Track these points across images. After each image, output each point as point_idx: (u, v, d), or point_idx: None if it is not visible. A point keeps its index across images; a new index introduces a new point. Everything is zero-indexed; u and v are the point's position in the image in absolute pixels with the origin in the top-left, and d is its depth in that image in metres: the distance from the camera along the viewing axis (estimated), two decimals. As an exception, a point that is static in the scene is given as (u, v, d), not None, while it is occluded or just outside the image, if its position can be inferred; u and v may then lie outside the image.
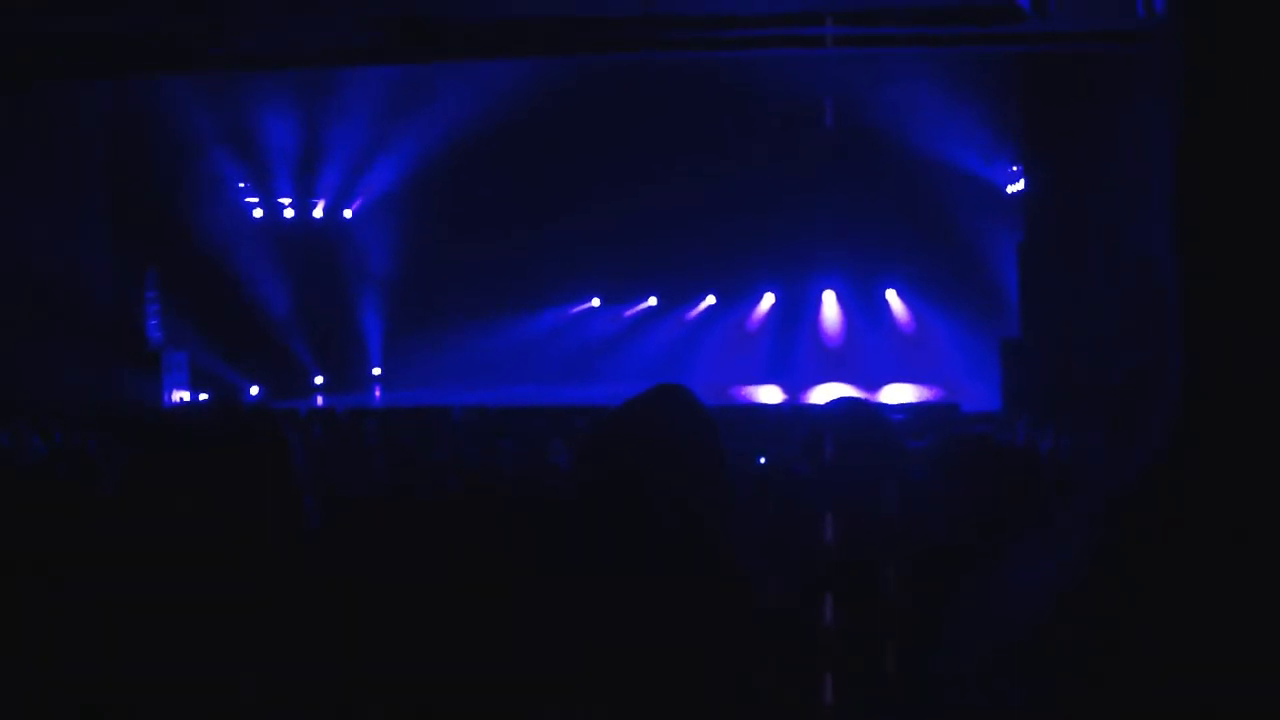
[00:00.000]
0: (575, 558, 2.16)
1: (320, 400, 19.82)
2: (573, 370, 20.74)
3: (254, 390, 19.79)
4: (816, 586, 2.66)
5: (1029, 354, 15.42)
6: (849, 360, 20.31)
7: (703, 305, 21.50)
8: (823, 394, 17.76)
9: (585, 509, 2.15)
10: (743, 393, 19.40)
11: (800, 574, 2.80)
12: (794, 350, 20.83)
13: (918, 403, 17.11)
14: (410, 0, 12.56)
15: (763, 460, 6.61)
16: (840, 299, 20.83)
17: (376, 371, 21.49)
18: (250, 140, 20.13)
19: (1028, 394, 14.54)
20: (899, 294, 20.56)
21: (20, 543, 2.85)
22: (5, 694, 2.08)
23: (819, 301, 20.90)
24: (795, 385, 19.45)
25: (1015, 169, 17.60)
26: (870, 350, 20.39)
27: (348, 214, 21.28)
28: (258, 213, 20.81)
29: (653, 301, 21.61)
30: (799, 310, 20.95)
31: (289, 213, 20.98)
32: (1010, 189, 17.92)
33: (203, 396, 18.25)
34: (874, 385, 18.89)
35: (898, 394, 18.59)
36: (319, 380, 20.80)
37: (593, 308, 21.76)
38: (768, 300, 21.19)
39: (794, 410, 15.07)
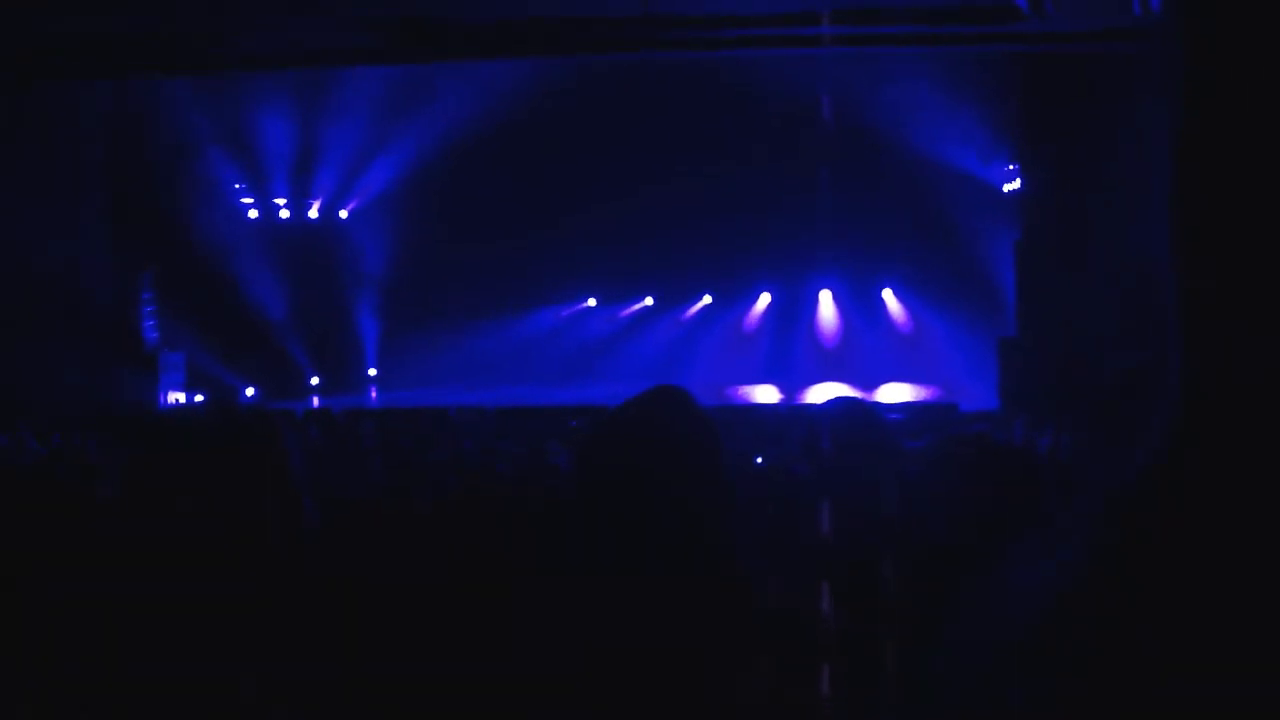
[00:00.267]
0: (574, 558, 2.16)
1: (316, 401, 19.81)
2: (570, 370, 20.73)
3: (250, 391, 19.77)
4: (815, 586, 2.66)
5: (1026, 353, 15.42)
6: (846, 360, 20.31)
7: (699, 305, 21.49)
8: (820, 394, 17.76)
9: (584, 509, 2.15)
10: (740, 393, 19.39)
11: (799, 573, 2.80)
12: (791, 350, 20.83)
13: (915, 402, 17.11)
14: (409, 1, 12.55)
15: (760, 460, 6.61)
16: (837, 298, 20.82)
17: (372, 372, 21.47)
18: (246, 140, 20.11)
19: (1025, 393, 14.54)
20: (896, 293, 20.55)
21: (19, 543, 2.85)
22: (5, 695, 2.08)
23: (816, 301, 20.89)
24: (792, 385, 19.45)
25: (1012, 168, 17.60)
26: (867, 350, 20.38)
27: (344, 214, 21.25)
28: (253, 213, 20.78)
29: (649, 301, 21.60)
30: (796, 310, 20.95)
31: (284, 213, 20.95)
32: (1007, 188, 17.92)
33: (199, 397, 18.23)
34: (871, 385, 18.89)
35: (895, 393, 18.58)
36: (315, 381, 20.78)
37: (589, 308, 21.74)
38: (764, 300, 21.18)
39: (791, 410, 15.07)
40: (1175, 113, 0.79)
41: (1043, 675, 0.79)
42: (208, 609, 2.06)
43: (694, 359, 20.79)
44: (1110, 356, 12.53)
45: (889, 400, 17.43)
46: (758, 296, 21.19)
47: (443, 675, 2.39)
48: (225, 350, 19.37)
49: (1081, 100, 14.46)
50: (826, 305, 20.89)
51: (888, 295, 20.60)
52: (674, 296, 21.37)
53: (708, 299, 21.43)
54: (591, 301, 21.70)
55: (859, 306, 20.65)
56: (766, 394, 19.37)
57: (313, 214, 21.09)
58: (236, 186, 20.51)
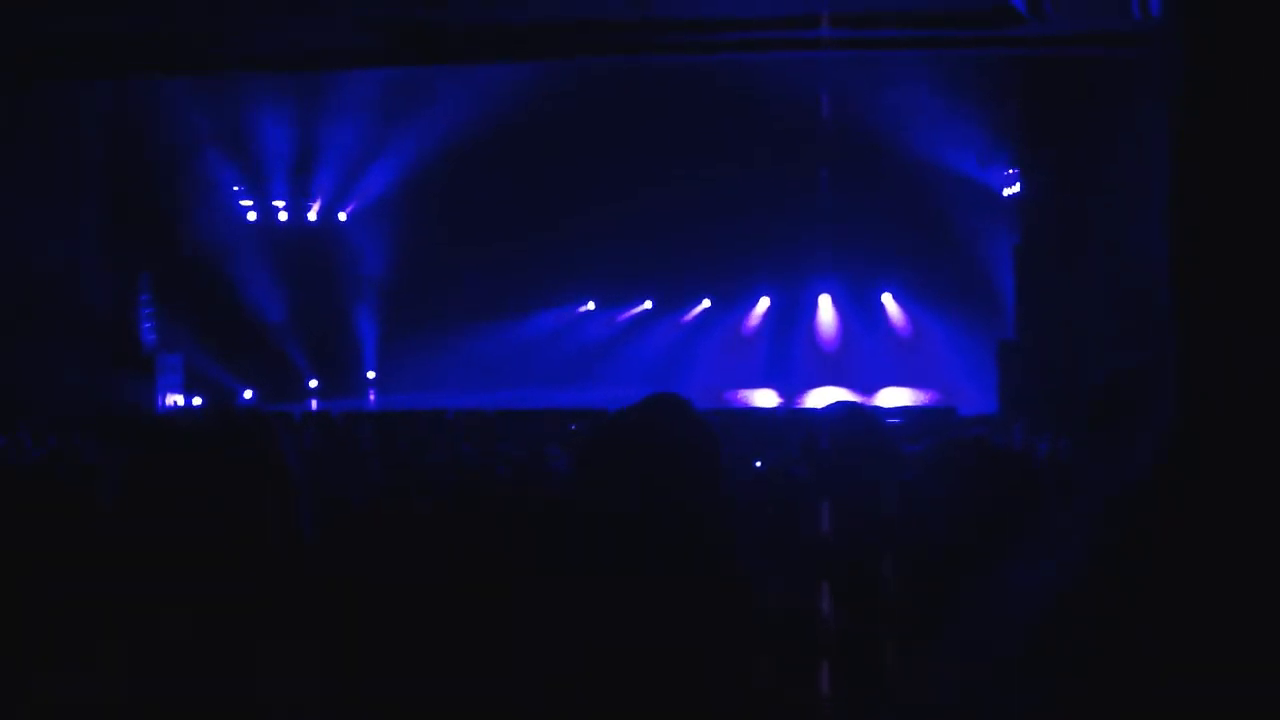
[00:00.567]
0: (574, 561, 2.16)
1: (315, 404, 19.80)
2: (569, 374, 20.73)
3: (248, 394, 19.77)
4: (815, 588, 2.66)
5: (1025, 357, 15.42)
6: (845, 364, 20.31)
7: (698, 309, 21.49)
8: (819, 398, 17.77)
9: (584, 513, 2.15)
10: (739, 396, 19.40)
11: (799, 576, 2.79)
12: (790, 354, 20.83)
13: (914, 406, 17.12)
14: (409, 3, 12.55)
15: (760, 464, 6.60)
16: (836, 302, 20.83)
17: (371, 375, 21.46)
18: (245, 142, 20.11)
19: (1024, 397, 14.55)
20: (895, 297, 20.56)
21: (16, 545, 2.84)
22: (4, 697, 2.08)
23: (815, 305, 20.90)
24: (791, 389, 19.46)
25: (1011, 172, 17.61)
26: (866, 354, 20.39)
27: (342, 217, 21.24)
28: (252, 215, 20.78)
29: (648, 305, 21.60)
30: (795, 314, 20.95)
31: (283, 216, 20.94)
32: (1006, 192, 17.92)
33: (197, 400, 18.23)
34: (870, 389, 18.89)
35: (894, 397, 18.59)
36: (314, 384, 20.77)
37: (588, 311, 21.73)
38: (763, 304, 21.18)
39: (791, 414, 15.07)
40: (1175, 115, 0.79)
41: (1042, 677, 0.79)
42: (205, 611, 2.05)
43: (693, 363, 20.79)
44: (1109, 360, 12.52)
45: (888, 404, 17.44)
46: (757, 300, 21.20)
47: (443, 678, 2.39)
48: (223, 352, 19.36)
49: (1081, 104, 14.47)
50: (826, 309, 20.90)
51: (887, 299, 20.61)
52: (673, 300, 21.37)
53: (707, 303, 21.43)
54: (591, 305, 21.69)
55: (858, 310, 20.66)
56: (766, 398, 19.38)
57: (311, 216, 21.09)
58: (235, 188, 20.50)
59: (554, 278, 20.78)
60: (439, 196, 20.34)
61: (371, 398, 20.98)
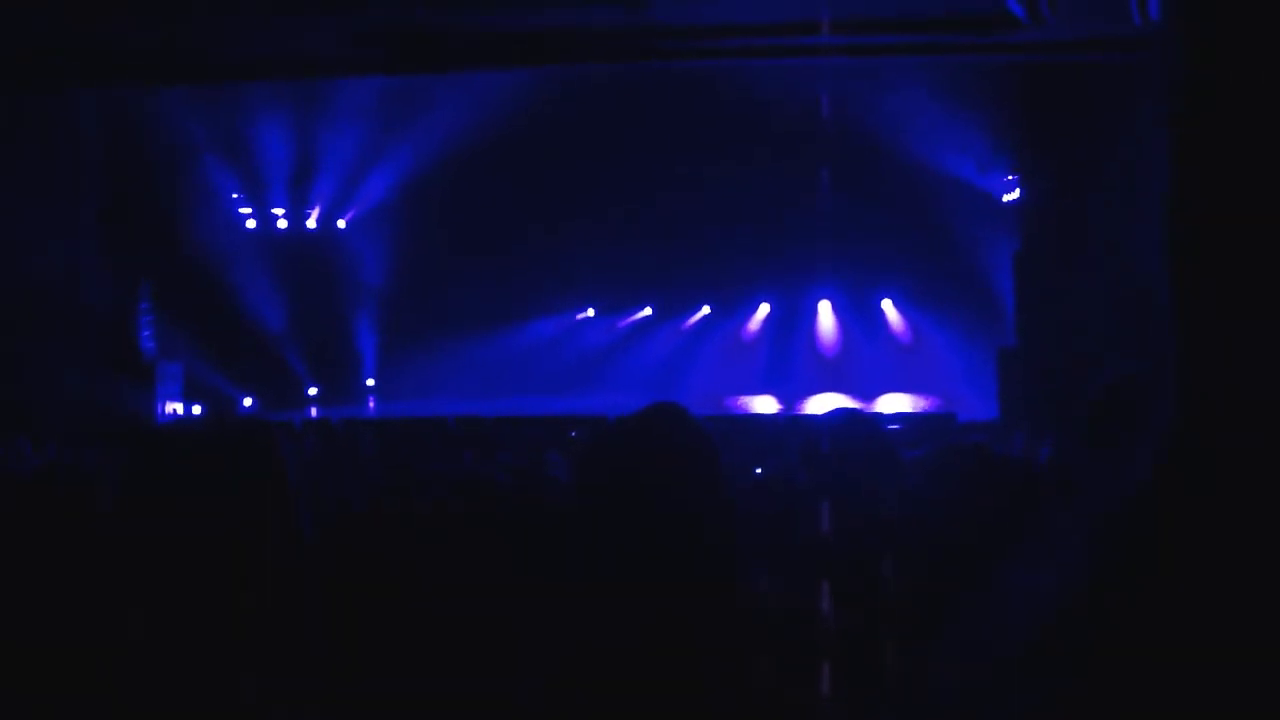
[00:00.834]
0: (574, 569, 2.16)
1: (315, 411, 19.81)
2: (568, 381, 20.73)
3: (248, 401, 19.78)
4: (815, 595, 2.65)
5: (1026, 363, 15.42)
6: (845, 370, 20.32)
7: (698, 315, 21.51)
8: (819, 404, 17.78)
9: (583, 520, 2.15)
10: (739, 403, 19.40)
11: (799, 583, 2.79)
12: (790, 360, 20.83)
13: (914, 412, 17.12)
14: (407, 11, 12.56)
15: (760, 471, 6.60)
16: (836, 309, 20.84)
17: (371, 382, 21.47)
18: (244, 149, 20.13)
19: (1025, 403, 14.55)
20: (895, 303, 20.57)
21: (15, 554, 2.84)
22: (3, 703, 2.08)
23: (814, 311, 20.91)
24: (791, 395, 19.47)
25: (1011, 178, 17.63)
26: (866, 360, 20.39)
27: (342, 224, 21.26)
28: (251, 223, 20.80)
29: (648, 311, 21.61)
30: (795, 320, 20.96)
31: (283, 223, 20.97)
32: (1006, 198, 17.94)
33: (197, 408, 18.23)
34: (870, 395, 18.90)
35: (894, 404, 18.60)
36: (314, 391, 20.78)
37: (588, 318, 21.75)
38: (763, 310, 21.20)
39: (791, 421, 15.07)
40: (1174, 118, 0.79)
41: (1042, 685, 0.79)
42: (203, 621, 2.05)
43: (693, 369, 20.80)
44: (1110, 366, 12.51)
45: (888, 411, 17.45)
46: (757, 306, 21.21)
47: (442, 685, 2.39)
48: (223, 360, 19.38)
49: (1081, 110, 14.49)
50: (825, 315, 20.91)
51: (887, 305, 20.62)
52: (673, 306, 21.38)
53: (707, 309, 21.44)
54: (590, 311, 21.70)
55: (858, 317, 20.67)
56: (766, 404, 19.39)
57: (311, 224, 21.10)
58: (234, 196, 20.52)
59: (554, 284, 20.79)
60: (438, 203, 20.36)
61: (371, 405, 20.98)
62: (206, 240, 19.61)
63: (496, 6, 12.44)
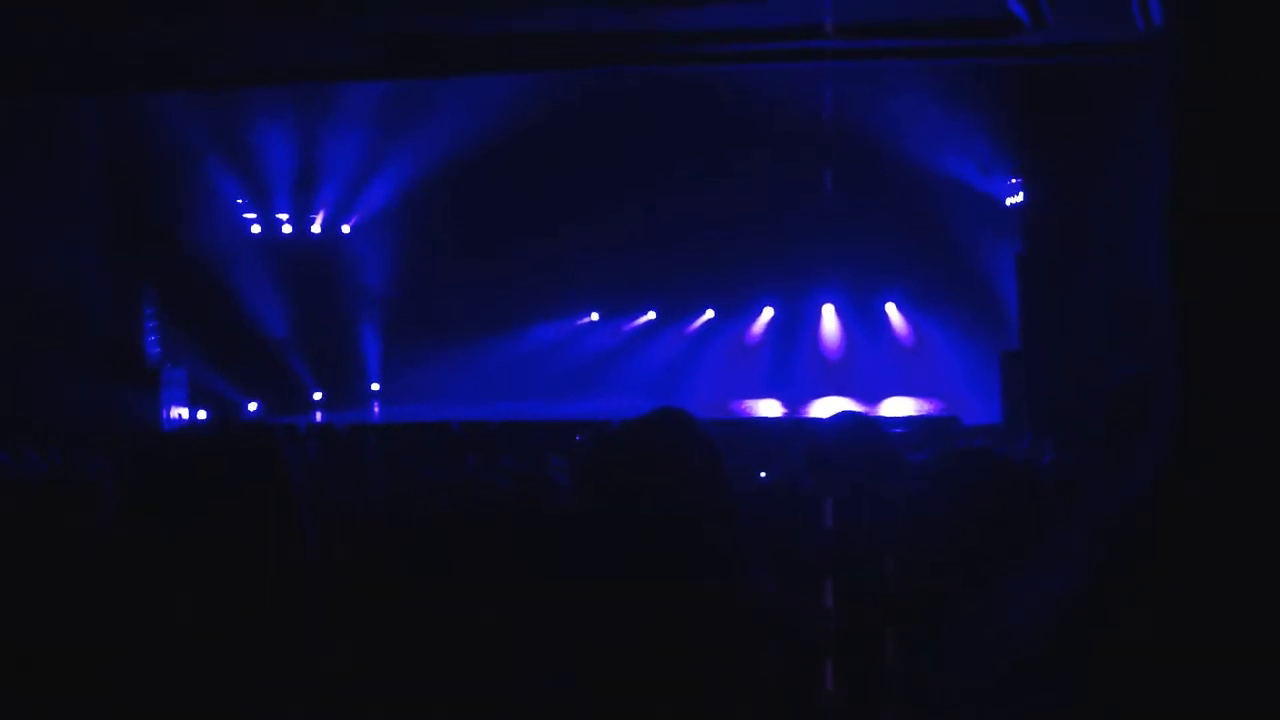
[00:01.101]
0: (576, 573, 2.16)
1: (319, 416, 19.82)
2: (573, 385, 20.74)
3: (253, 406, 19.80)
4: (819, 600, 2.65)
5: (1029, 367, 15.42)
6: (849, 374, 20.32)
7: (702, 319, 21.51)
8: (823, 408, 17.77)
9: (586, 525, 2.15)
10: (742, 406, 19.41)
11: (802, 587, 2.79)
12: (794, 364, 20.84)
13: (918, 416, 17.11)
14: (409, 15, 12.57)
15: (764, 475, 6.60)
16: (839, 312, 20.84)
17: (375, 387, 21.48)
18: (248, 155, 20.15)
19: (1028, 407, 14.55)
20: (898, 307, 20.57)
21: (19, 560, 2.84)
22: (5, 711, 2.08)
23: (818, 315, 20.91)
24: (795, 399, 19.47)
25: (1014, 181, 17.63)
26: (870, 363, 20.39)
27: (346, 229, 21.28)
28: (256, 228, 20.83)
29: (652, 315, 21.61)
30: (798, 324, 20.96)
31: (287, 228, 20.99)
32: (1009, 201, 17.94)
33: (201, 413, 18.24)
34: (874, 399, 18.90)
35: (898, 407, 18.59)
36: (318, 396, 20.79)
37: (592, 322, 21.75)
38: (767, 314, 21.20)
39: (795, 424, 15.07)
40: (1175, 121, 0.79)
41: (1043, 690, 0.78)
42: (206, 626, 2.05)
43: (697, 373, 20.81)
44: (1116, 369, 12.50)
45: (891, 414, 17.44)
46: (760, 310, 21.21)
47: (443, 685, 2.39)
48: (228, 365, 19.40)
49: (1084, 113, 14.49)
50: (829, 319, 20.90)
51: (890, 309, 20.61)
52: (676, 310, 21.39)
53: (710, 313, 21.44)
54: (594, 315, 21.71)
55: (861, 320, 20.67)
56: (769, 408, 19.38)
57: (315, 229, 21.13)
58: (239, 201, 20.55)
59: (557, 289, 20.82)
60: (442, 208, 20.38)
61: (376, 410, 21.00)
62: (211, 245, 19.62)
63: (499, 11, 12.44)
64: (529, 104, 18.75)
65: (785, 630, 2.23)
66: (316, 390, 20.82)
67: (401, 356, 21.16)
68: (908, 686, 2.45)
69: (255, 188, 20.57)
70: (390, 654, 2.39)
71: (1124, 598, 0.77)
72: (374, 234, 21.15)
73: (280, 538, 2.17)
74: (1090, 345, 13.94)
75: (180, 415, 17.73)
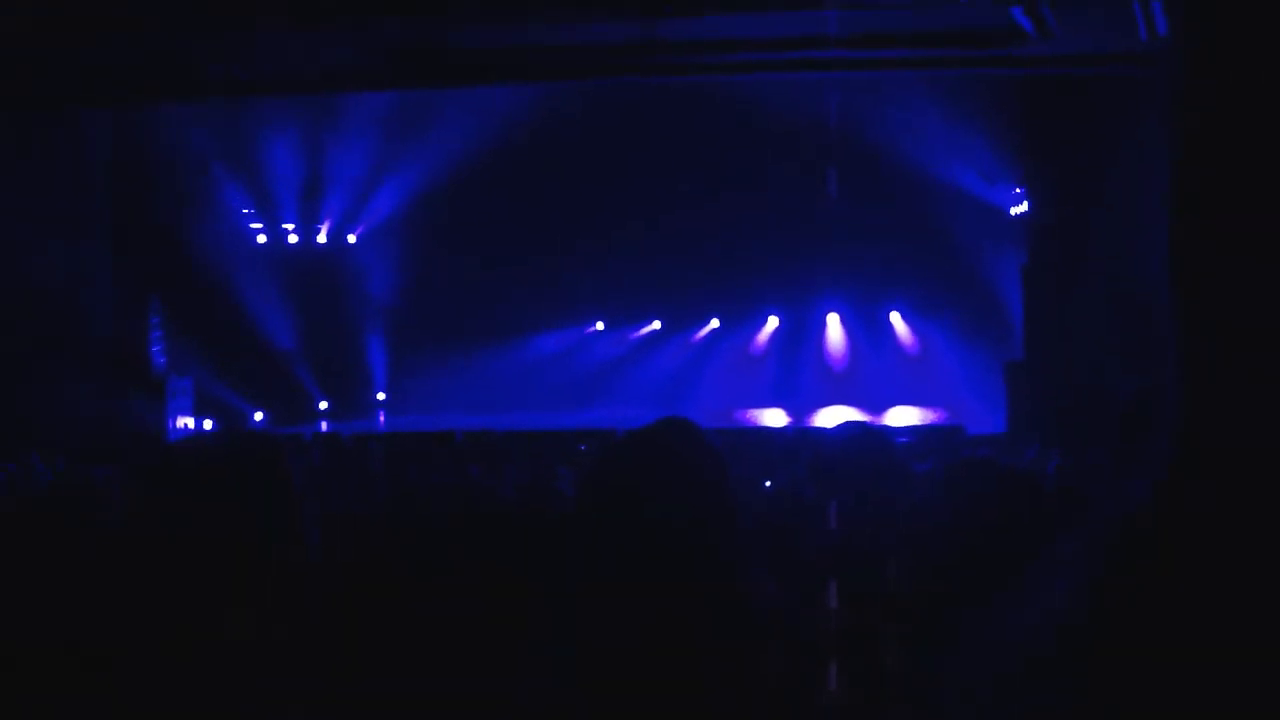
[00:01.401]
0: (579, 582, 2.16)
1: (325, 425, 19.82)
2: (577, 394, 20.72)
3: (258, 416, 19.80)
4: (820, 601, 2.65)
5: (1033, 376, 15.40)
6: (854, 383, 20.29)
7: (707, 329, 21.49)
8: (828, 417, 17.76)
9: (589, 534, 2.15)
10: (747, 416, 19.39)
11: (806, 595, 2.79)
12: (799, 373, 20.81)
13: (923, 425, 17.08)
14: (414, 26, 12.59)
15: (769, 484, 6.59)
16: (844, 322, 20.82)
17: (381, 396, 21.48)
18: (253, 165, 20.18)
19: (1033, 416, 14.53)
20: (903, 316, 20.55)
21: (25, 569, 2.85)
22: (13, 712, 2.09)
23: (823, 324, 20.89)
24: (800, 408, 19.44)
25: (1019, 191, 17.62)
26: (874, 373, 20.36)
27: (352, 239, 21.30)
28: (261, 238, 20.85)
29: (657, 325, 21.60)
30: (803, 333, 20.94)
31: (293, 238, 21.01)
32: (1014, 211, 17.93)
33: (207, 423, 18.24)
34: (878, 408, 18.87)
35: (903, 417, 18.57)
36: (324, 405, 20.80)
37: (597, 331, 21.74)
38: (772, 323, 21.18)
39: (800, 434, 15.05)
40: (1176, 121, 0.79)
41: (1045, 692, 0.79)
42: (210, 634, 2.06)
43: (702, 382, 20.78)
44: (1117, 380, 12.51)
45: (896, 423, 17.41)
46: (765, 320, 21.19)
47: (443, 686, 2.39)
48: (234, 375, 19.40)
49: (1086, 122, 14.48)
50: (834, 328, 20.89)
51: (895, 318, 20.60)
52: (682, 320, 21.37)
53: (715, 322, 21.42)
54: (599, 325, 21.70)
55: (866, 329, 20.65)
56: (774, 417, 19.36)
57: (321, 238, 21.14)
58: (245, 211, 20.57)
59: (563, 298, 20.80)
60: (447, 218, 20.38)
61: (381, 419, 20.99)
62: (217, 255, 19.64)
63: (504, 22, 12.47)
64: (534, 115, 18.75)
65: (786, 631, 2.23)
66: (322, 400, 20.82)
67: (407, 366, 21.16)
68: (909, 687, 2.45)
69: (261, 197, 20.60)
70: (390, 654, 2.39)
71: (1125, 599, 0.77)
72: (380, 244, 21.16)
73: (281, 541, 2.18)
74: (1095, 354, 13.92)
75: (186, 425, 17.73)
